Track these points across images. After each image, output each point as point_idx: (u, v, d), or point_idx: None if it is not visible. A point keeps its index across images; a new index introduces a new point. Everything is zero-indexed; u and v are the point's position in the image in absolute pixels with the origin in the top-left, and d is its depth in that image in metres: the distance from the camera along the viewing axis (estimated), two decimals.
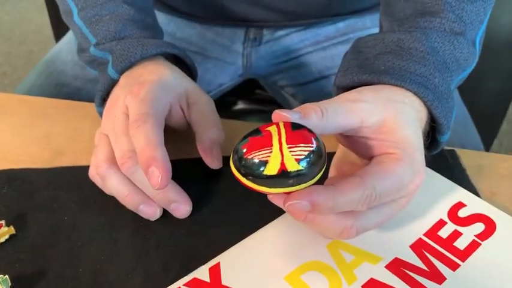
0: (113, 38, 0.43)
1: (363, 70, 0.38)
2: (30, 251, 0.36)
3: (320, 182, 0.30)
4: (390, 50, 0.39)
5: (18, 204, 0.39)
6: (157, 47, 0.43)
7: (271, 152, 0.28)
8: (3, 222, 0.37)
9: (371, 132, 0.33)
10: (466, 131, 0.57)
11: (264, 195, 0.31)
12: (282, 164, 0.28)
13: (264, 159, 0.28)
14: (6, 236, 0.36)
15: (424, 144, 0.41)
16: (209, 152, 0.41)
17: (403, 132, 0.33)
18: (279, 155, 0.28)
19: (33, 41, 1.90)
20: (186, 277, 0.33)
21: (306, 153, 0.28)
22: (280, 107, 0.67)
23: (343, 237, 0.32)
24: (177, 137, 0.43)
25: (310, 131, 0.30)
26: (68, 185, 0.40)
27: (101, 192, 0.39)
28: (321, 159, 0.29)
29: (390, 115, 0.33)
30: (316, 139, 0.29)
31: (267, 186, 0.29)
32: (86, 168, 0.41)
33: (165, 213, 0.38)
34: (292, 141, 0.29)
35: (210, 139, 0.41)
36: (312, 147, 0.29)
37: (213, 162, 0.41)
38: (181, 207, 0.38)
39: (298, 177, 0.29)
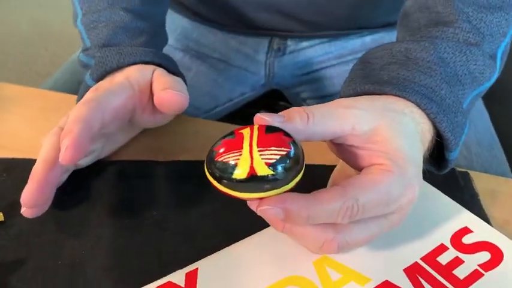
0: (101, 45, 0.43)
1: (366, 80, 0.36)
2: (15, 239, 0.36)
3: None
4: (396, 60, 0.36)
5: (14, 192, 0.39)
6: (136, 55, 0.41)
7: (240, 154, 0.27)
8: None
9: (362, 141, 0.31)
10: (492, 156, 0.53)
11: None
12: (251, 167, 0.27)
13: (233, 162, 0.27)
14: None
15: (431, 161, 0.38)
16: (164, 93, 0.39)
17: (395, 143, 0.30)
18: (249, 158, 0.27)
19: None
20: (160, 280, 0.32)
21: (278, 157, 0.27)
22: None
23: (325, 251, 0.30)
24: (166, 140, 0.42)
25: (286, 134, 0.28)
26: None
27: (95, 188, 0.39)
28: (296, 164, 0.27)
29: (384, 124, 0.31)
30: (292, 143, 0.28)
31: (238, 191, 0.28)
32: None
33: (152, 214, 0.37)
34: (263, 144, 0.27)
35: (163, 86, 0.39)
36: (285, 151, 0.27)
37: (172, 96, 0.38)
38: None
39: (269, 182, 0.27)
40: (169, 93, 0.38)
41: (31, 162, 0.42)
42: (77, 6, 0.47)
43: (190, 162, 0.42)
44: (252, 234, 0.35)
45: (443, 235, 0.35)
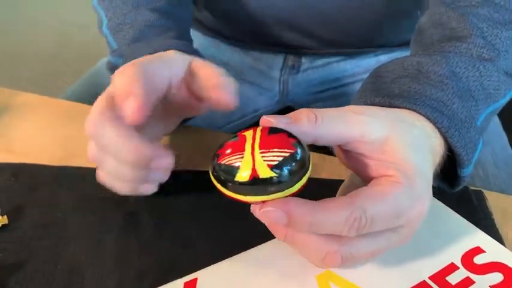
0: (129, 44, 0.43)
1: (376, 93, 0.35)
2: (17, 242, 0.36)
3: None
4: (408, 74, 0.36)
5: (20, 196, 0.39)
6: (165, 46, 0.40)
7: (242, 157, 0.26)
8: None
9: (370, 150, 0.30)
10: (510, 177, 0.51)
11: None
12: (253, 169, 0.26)
13: (235, 164, 0.27)
14: None
15: (443, 178, 0.37)
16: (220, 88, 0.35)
17: (405, 154, 0.29)
18: (251, 160, 0.26)
19: None
20: None
21: (280, 158, 0.26)
22: None
23: (327, 263, 0.29)
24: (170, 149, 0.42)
25: (290, 135, 0.27)
26: (70, 184, 0.40)
27: (98, 193, 0.39)
28: (301, 167, 0.27)
29: (395, 134, 0.30)
30: (296, 144, 0.27)
31: (241, 194, 0.27)
32: (91, 170, 0.41)
33: (154, 221, 0.37)
34: (265, 146, 0.26)
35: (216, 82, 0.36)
36: (289, 152, 0.26)
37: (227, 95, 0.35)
38: (162, 160, 0.34)
39: (273, 185, 0.26)
40: (228, 94, 0.35)
41: (39, 168, 0.42)
42: (101, 13, 0.48)
43: (194, 172, 0.41)
44: (254, 246, 0.34)
45: (453, 254, 0.34)
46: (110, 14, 0.47)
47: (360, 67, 0.64)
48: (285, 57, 0.65)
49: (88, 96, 0.62)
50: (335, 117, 0.30)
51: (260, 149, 0.26)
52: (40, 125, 0.49)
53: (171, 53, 0.39)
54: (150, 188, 0.36)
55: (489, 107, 0.37)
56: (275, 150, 0.26)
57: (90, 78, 0.66)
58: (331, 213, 0.27)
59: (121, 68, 0.36)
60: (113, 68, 0.44)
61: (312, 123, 0.29)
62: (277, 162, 0.26)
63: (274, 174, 0.26)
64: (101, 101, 0.35)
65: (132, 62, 0.36)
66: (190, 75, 0.37)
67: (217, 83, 0.36)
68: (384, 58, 0.63)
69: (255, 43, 0.65)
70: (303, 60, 0.65)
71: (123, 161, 0.33)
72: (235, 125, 0.67)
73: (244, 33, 0.65)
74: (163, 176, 0.36)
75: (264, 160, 0.26)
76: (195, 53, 0.41)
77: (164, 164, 0.34)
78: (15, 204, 0.39)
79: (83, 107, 0.52)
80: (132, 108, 0.32)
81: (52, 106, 0.51)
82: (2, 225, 0.37)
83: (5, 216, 0.37)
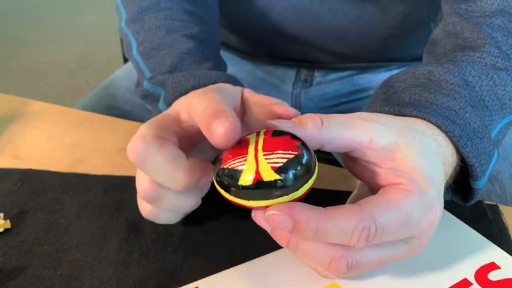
0: (168, 71, 0.40)
1: (387, 103, 0.35)
2: (18, 247, 0.35)
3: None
4: (419, 83, 0.35)
5: (25, 201, 0.39)
6: (210, 78, 0.38)
7: (245, 160, 0.26)
8: (1, 214, 0.37)
9: (379, 157, 0.29)
10: None
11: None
12: (257, 172, 0.25)
13: (239, 168, 0.26)
14: (1, 230, 0.36)
15: (456, 191, 0.36)
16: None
17: (415, 162, 0.28)
18: (254, 163, 0.25)
19: None
20: None
21: (285, 161, 0.25)
22: (331, 154, 0.64)
23: (332, 270, 0.27)
24: None
25: (294, 137, 0.26)
26: (75, 190, 0.40)
27: (102, 200, 0.39)
28: (307, 169, 0.26)
29: (404, 142, 0.29)
30: (301, 146, 0.26)
31: (245, 199, 0.26)
32: (96, 177, 0.41)
33: (156, 229, 0.36)
34: (269, 148, 0.26)
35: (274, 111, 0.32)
36: (293, 154, 0.25)
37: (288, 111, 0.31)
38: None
39: (277, 188, 0.25)
40: (288, 109, 0.32)
41: (45, 174, 0.42)
42: (130, 36, 0.46)
43: None
44: (257, 256, 0.33)
45: (467, 270, 0.32)
46: (140, 38, 0.44)
47: (373, 82, 0.63)
48: (297, 71, 0.65)
49: (101, 108, 0.63)
50: (343, 122, 0.29)
51: (264, 151, 0.26)
52: (48, 132, 0.49)
53: (224, 85, 0.37)
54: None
55: (505, 119, 0.35)
56: (279, 152, 0.25)
57: (101, 91, 0.66)
58: (339, 220, 0.25)
59: (197, 93, 0.33)
60: (148, 95, 0.42)
61: (318, 128, 0.28)
62: (281, 165, 0.25)
63: (279, 177, 0.25)
64: (144, 128, 0.31)
65: (202, 91, 0.33)
66: (242, 104, 0.35)
67: (273, 102, 0.33)
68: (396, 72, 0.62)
69: (268, 57, 0.65)
70: (316, 74, 0.64)
71: (176, 186, 0.30)
72: None
73: (256, 48, 0.65)
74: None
75: (268, 163, 0.25)
76: (237, 82, 0.40)
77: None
78: (19, 209, 0.38)
79: (92, 116, 0.52)
80: (225, 127, 0.27)
81: (61, 114, 0.52)
82: (5, 229, 0.36)
83: (8, 221, 0.37)
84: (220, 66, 0.44)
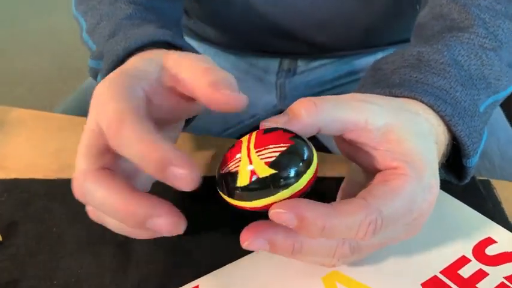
0: (105, 42, 0.37)
1: (377, 85, 0.34)
2: (11, 259, 0.34)
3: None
4: (408, 64, 0.35)
5: (13, 212, 0.38)
6: (143, 36, 0.33)
7: (240, 161, 0.25)
8: None
9: (375, 139, 0.28)
10: None
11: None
12: (252, 171, 0.25)
13: (234, 169, 0.25)
14: None
15: (449, 170, 0.36)
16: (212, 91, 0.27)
17: (411, 144, 0.28)
18: (247, 162, 0.25)
19: None
20: None
21: (277, 154, 0.25)
22: (317, 140, 0.64)
23: (338, 257, 0.27)
24: None
25: (286, 131, 0.26)
26: (63, 197, 0.39)
27: None
28: (302, 160, 0.25)
29: (399, 123, 0.29)
30: (294, 138, 0.26)
31: (246, 200, 0.26)
32: None
33: None
34: (260, 145, 0.25)
35: (208, 81, 0.28)
36: (285, 146, 0.25)
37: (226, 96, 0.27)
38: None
39: (274, 183, 0.25)
40: (227, 95, 0.27)
41: (31, 182, 0.41)
42: (80, 19, 0.44)
43: None
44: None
45: (464, 246, 0.32)
46: (87, 17, 0.42)
47: (357, 66, 0.63)
48: (280, 61, 0.64)
49: (80, 111, 0.61)
50: (337, 104, 0.28)
51: (255, 148, 0.25)
52: (32, 139, 0.47)
53: (137, 63, 0.31)
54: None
55: (489, 98, 0.35)
56: (270, 147, 0.25)
57: (81, 94, 0.65)
58: (346, 217, 0.25)
59: (114, 125, 0.26)
60: (94, 72, 0.40)
61: (313, 114, 0.27)
62: (274, 159, 0.25)
63: (274, 171, 0.25)
64: (82, 155, 0.29)
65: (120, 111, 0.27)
66: (168, 77, 0.30)
67: (211, 80, 0.27)
68: (380, 55, 0.62)
69: (249, 50, 0.64)
70: (299, 63, 0.64)
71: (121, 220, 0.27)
72: (234, 131, 0.66)
73: (238, 41, 0.64)
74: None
75: (261, 159, 0.25)
76: (182, 45, 0.36)
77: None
78: (8, 220, 0.37)
79: (74, 119, 0.51)
80: (182, 176, 0.24)
81: (43, 120, 0.50)
82: None
83: None
84: (170, 27, 0.39)
